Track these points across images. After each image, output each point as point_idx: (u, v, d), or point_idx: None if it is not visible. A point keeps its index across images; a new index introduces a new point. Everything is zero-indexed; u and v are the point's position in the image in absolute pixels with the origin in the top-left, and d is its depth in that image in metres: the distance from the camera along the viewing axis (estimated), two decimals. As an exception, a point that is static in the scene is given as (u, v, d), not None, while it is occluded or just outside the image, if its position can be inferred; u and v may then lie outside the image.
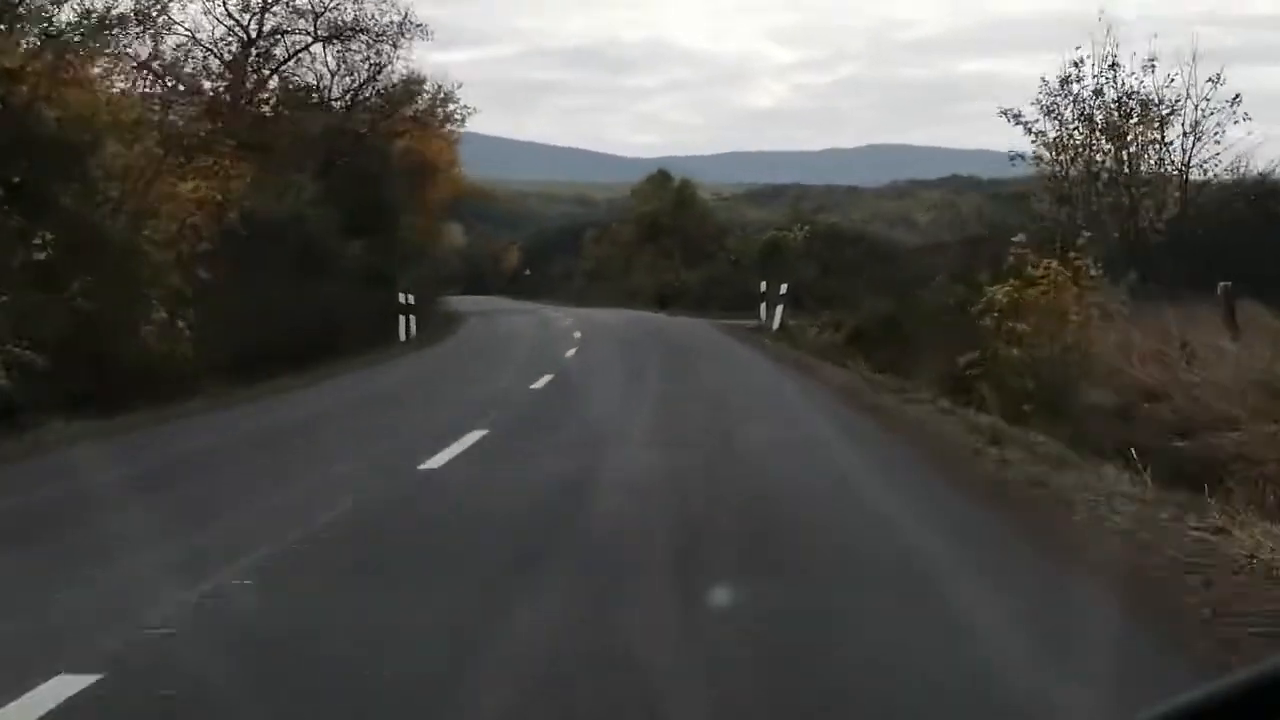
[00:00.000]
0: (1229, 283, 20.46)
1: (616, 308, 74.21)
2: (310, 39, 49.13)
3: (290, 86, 49.60)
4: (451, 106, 62.77)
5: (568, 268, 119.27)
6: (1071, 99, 31.29)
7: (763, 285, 48.82)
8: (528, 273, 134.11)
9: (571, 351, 37.55)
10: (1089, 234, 22.82)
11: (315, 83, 51.39)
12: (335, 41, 50.77)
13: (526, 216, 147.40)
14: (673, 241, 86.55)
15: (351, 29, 50.45)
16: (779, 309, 45.70)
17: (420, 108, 59.82)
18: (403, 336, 45.61)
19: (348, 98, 53.71)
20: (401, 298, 47.40)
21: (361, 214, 45.45)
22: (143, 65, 36.36)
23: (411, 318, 47.22)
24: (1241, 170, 30.23)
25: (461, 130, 65.34)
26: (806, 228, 64.34)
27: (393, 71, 53.67)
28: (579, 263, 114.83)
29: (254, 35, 46.72)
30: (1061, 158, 32.01)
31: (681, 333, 46.34)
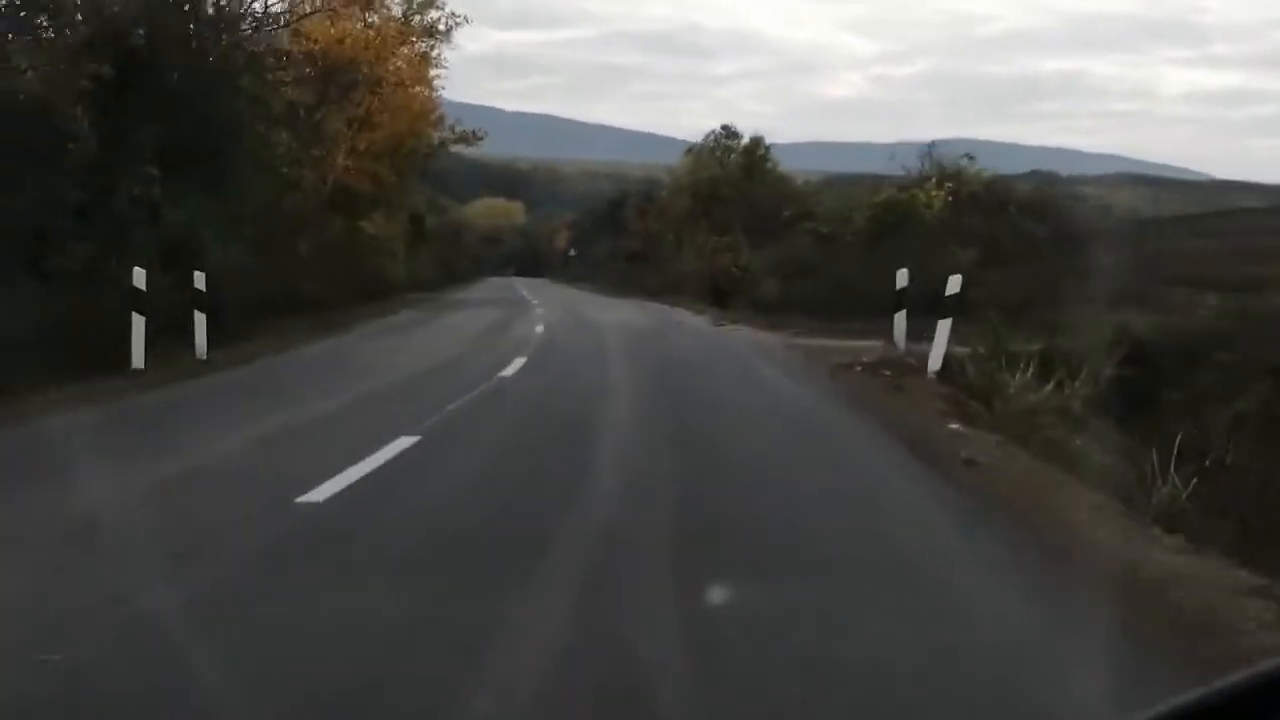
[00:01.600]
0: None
1: (648, 299, 49.37)
2: None
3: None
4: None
5: (612, 248, 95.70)
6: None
7: (900, 278, 23.13)
8: (572, 253, 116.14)
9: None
10: None
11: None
12: None
13: (596, 197, 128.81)
14: (733, 214, 60.20)
15: None
16: (941, 330, 20.18)
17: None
18: (201, 351, 21.19)
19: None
20: (198, 281, 22.63)
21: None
22: None
23: (201, 318, 22.25)
24: None
25: (448, 49, 41.12)
26: (947, 186, 38.15)
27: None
28: (622, 242, 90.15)
29: None
30: None
31: (737, 389, 20.13)
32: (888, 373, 20.94)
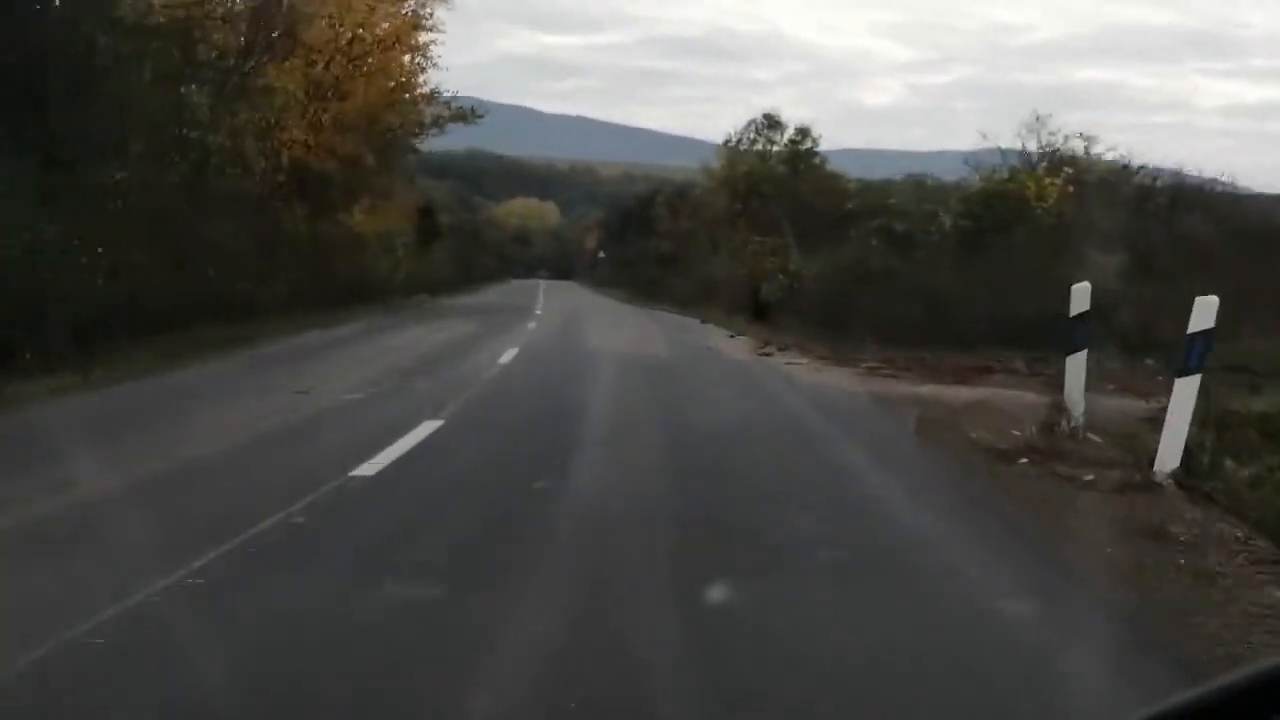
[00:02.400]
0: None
1: (676, 310, 39.72)
2: None
3: None
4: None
5: (642, 250, 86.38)
6: None
7: (1078, 297, 12.58)
8: (601, 255, 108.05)
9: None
10: None
11: None
12: None
13: (630, 197, 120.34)
14: (778, 212, 50.03)
15: None
16: (1182, 409, 9.74)
17: None
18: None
19: None
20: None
21: None
22: None
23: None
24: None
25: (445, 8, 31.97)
26: (1065, 173, 27.98)
27: None
28: (653, 244, 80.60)
29: None
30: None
31: (819, 530, 8.61)
32: (1089, 477, 10.86)
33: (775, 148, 62.92)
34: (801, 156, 61.39)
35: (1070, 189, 29.06)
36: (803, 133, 62.50)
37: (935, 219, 30.76)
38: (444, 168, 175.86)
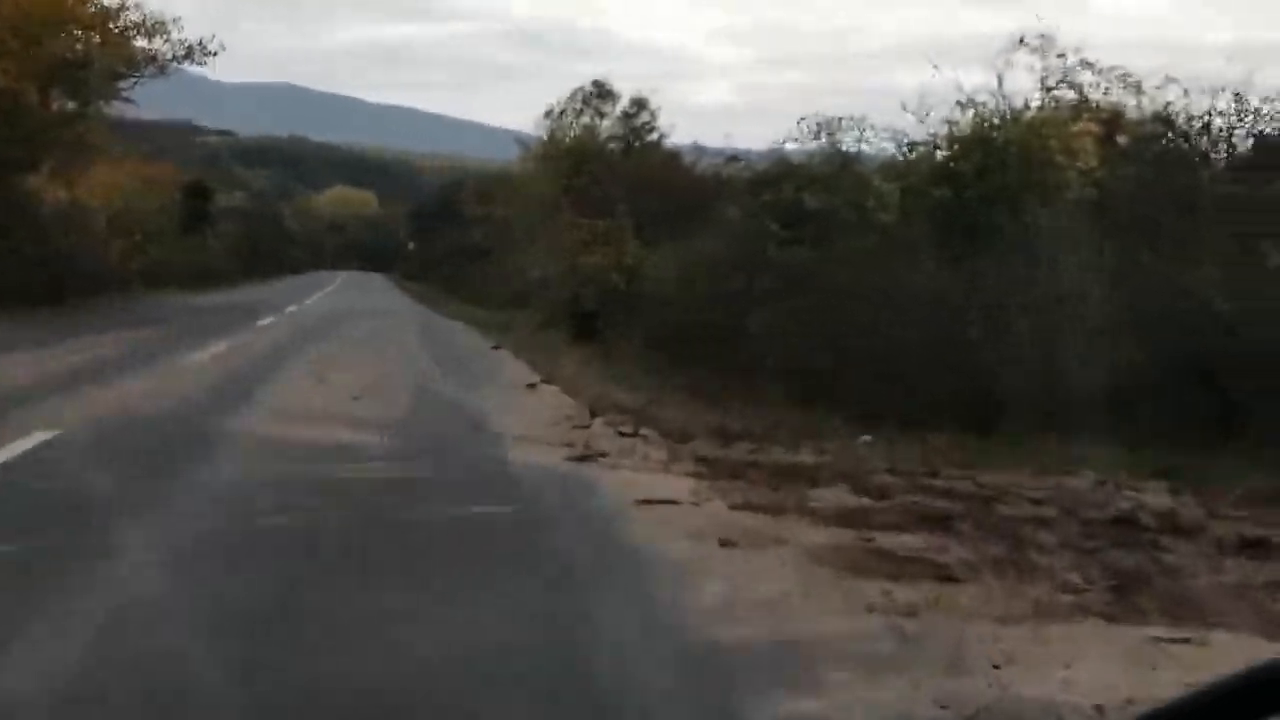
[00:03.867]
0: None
1: (463, 320, 26.62)
2: None
3: None
4: None
5: (453, 242, 74.08)
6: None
7: None
8: (411, 246, 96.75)
9: None
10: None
11: None
12: None
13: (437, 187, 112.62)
14: (615, 194, 36.40)
15: None
16: None
17: None
18: None
19: None
20: None
21: None
22: None
23: None
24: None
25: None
26: (1095, 116, 14.87)
27: None
28: (463, 235, 68.08)
29: None
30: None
31: None
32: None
33: (606, 121, 49.07)
34: (638, 131, 47.60)
35: (1111, 140, 16.23)
36: (639, 104, 48.70)
37: (874, 189, 17.65)
38: (263, 153, 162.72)
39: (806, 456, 11.61)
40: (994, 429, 12.54)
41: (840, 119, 19.68)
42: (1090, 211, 15.25)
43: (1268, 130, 14.61)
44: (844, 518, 8.79)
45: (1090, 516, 9.03)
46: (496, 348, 24.99)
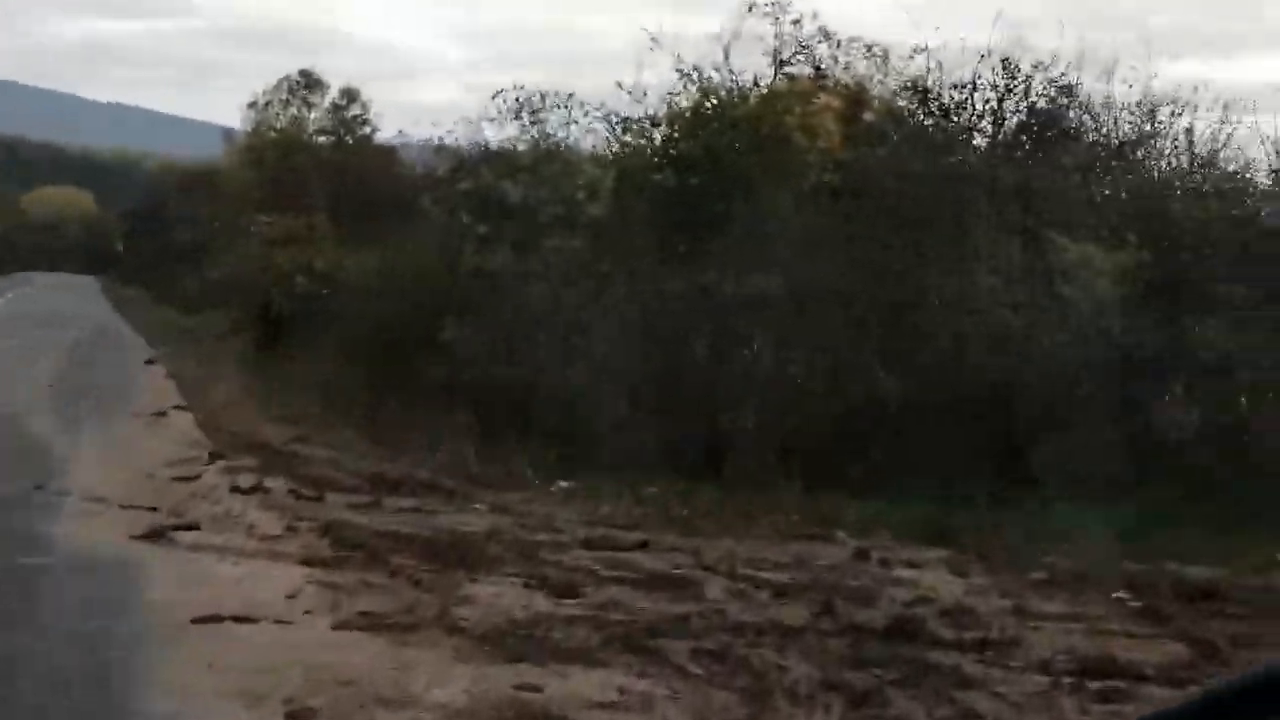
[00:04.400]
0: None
1: (138, 330, 23.18)
2: None
3: None
4: None
5: (166, 242, 68.33)
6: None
7: None
8: (120, 248, 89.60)
9: None
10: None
11: None
12: None
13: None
14: (317, 190, 32.77)
15: None
16: None
17: None
18: None
19: None
20: None
21: None
22: None
23: None
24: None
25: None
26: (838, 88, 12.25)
27: None
28: (173, 235, 62.63)
29: None
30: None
31: None
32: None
33: (315, 113, 45.18)
34: (348, 125, 43.87)
35: (855, 117, 13.65)
36: (349, 95, 44.93)
37: (583, 176, 14.72)
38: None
39: (477, 518, 8.58)
40: (721, 472, 9.74)
41: (544, 94, 16.70)
42: (832, 199, 12.65)
43: (1041, 102, 12.17)
44: (506, 640, 5.79)
45: (857, 621, 6.23)
46: (150, 362, 21.20)
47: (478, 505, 9.06)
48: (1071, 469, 8.74)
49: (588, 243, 13.67)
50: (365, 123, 43.52)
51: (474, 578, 6.90)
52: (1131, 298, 9.74)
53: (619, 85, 15.71)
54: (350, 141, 41.67)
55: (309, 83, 45.09)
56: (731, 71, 15.24)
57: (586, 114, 15.82)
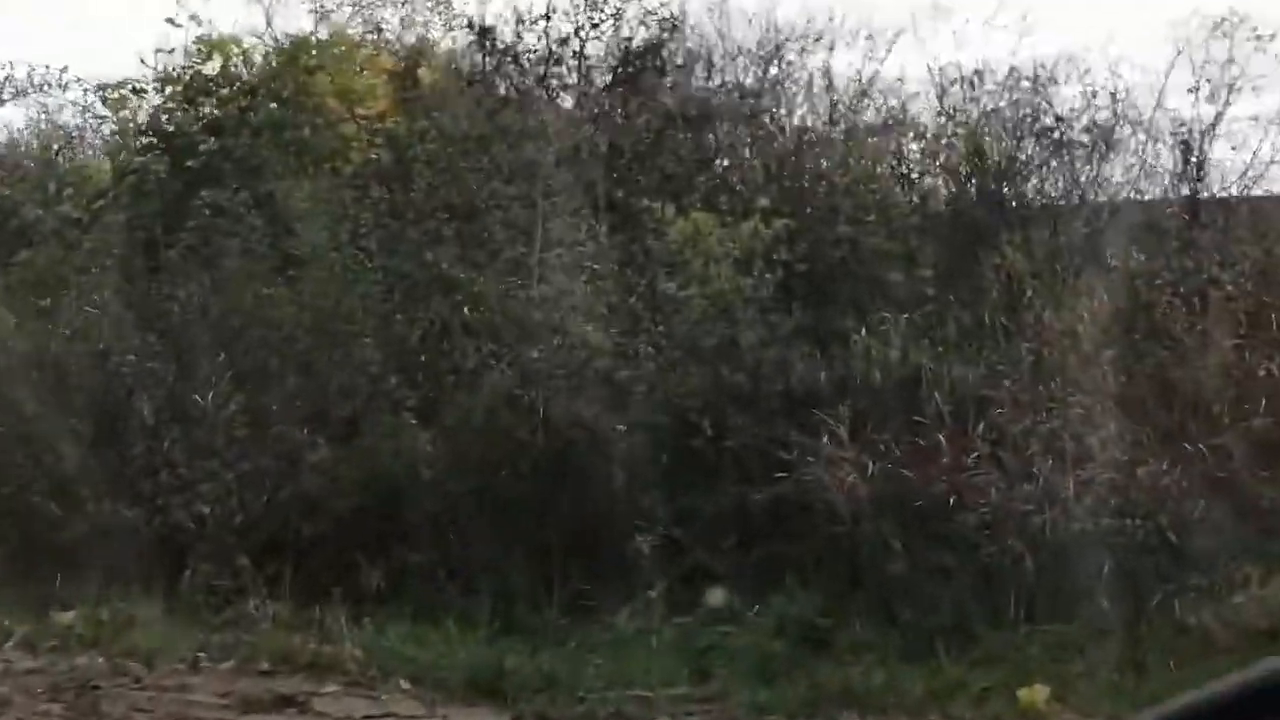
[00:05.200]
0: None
1: None
2: None
3: None
4: None
5: None
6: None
7: None
8: None
9: None
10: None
11: None
12: None
13: None
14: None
15: None
16: None
17: None
18: None
19: None
20: None
21: None
22: None
23: None
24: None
25: None
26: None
27: None
28: None
29: None
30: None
31: None
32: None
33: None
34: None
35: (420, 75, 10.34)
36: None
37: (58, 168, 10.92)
38: None
39: None
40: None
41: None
42: (381, 186, 9.28)
43: (638, 39, 8.99)
44: None
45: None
46: None
47: None
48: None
49: (58, 253, 9.88)
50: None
51: None
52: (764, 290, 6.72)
53: (143, 62, 11.89)
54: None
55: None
56: (275, 39, 11.69)
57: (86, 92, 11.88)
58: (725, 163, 8.35)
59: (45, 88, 13.29)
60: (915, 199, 7.70)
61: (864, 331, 6.40)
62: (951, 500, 5.81)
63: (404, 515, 6.37)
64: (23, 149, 14.12)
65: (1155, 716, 1.49)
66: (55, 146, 13.55)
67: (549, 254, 7.26)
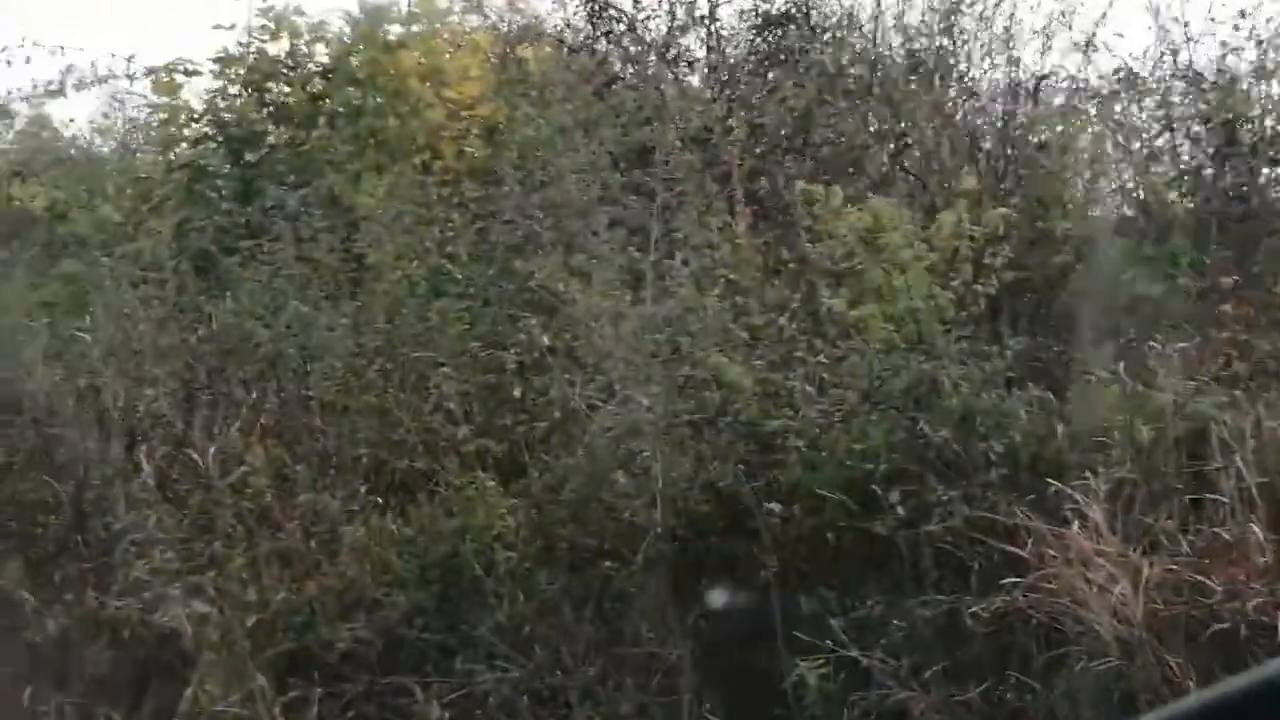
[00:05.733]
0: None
1: None
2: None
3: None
4: None
5: None
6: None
7: None
8: None
9: None
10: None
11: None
12: None
13: None
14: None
15: None
16: None
17: None
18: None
19: None
20: None
21: None
22: None
23: None
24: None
25: None
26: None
27: None
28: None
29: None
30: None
31: None
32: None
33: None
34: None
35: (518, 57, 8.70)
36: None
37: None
38: None
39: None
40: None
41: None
42: (469, 176, 7.62)
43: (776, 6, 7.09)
44: None
45: None
46: None
47: None
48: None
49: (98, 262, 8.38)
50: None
51: None
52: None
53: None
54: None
55: None
56: (350, 14, 10.08)
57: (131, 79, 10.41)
58: (907, 140, 6.47)
59: (110, 78, 11.95)
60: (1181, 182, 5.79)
61: (1121, 366, 4.49)
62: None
63: (475, 619, 4.63)
64: (83, 145, 12.83)
65: (1160, 716, 1.58)
66: (112, 142, 12.21)
67: (671, 260, 5.52)
